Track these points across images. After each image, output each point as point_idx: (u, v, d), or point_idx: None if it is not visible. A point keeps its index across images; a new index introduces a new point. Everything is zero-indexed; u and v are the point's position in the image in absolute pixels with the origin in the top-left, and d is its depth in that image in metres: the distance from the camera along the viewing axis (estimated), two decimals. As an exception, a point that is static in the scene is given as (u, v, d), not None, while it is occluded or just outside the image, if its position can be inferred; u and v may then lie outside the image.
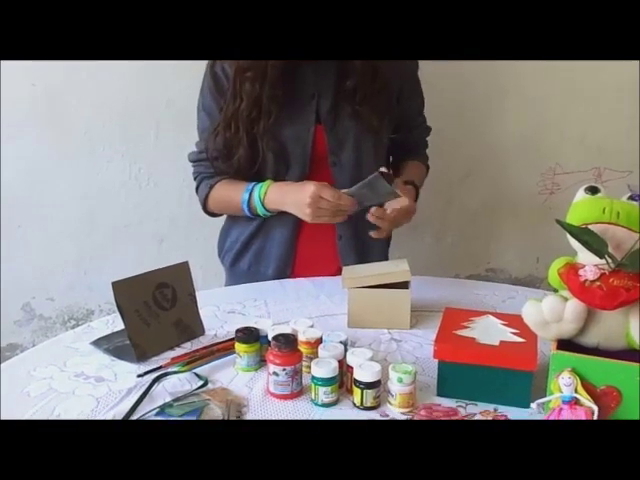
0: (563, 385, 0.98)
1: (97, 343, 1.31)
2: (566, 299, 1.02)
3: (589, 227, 1.01)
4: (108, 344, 1.30)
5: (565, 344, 1.04)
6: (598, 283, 0.98)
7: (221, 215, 1.78)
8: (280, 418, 1.08)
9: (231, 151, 1.60)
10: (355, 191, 1.49)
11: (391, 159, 1.81)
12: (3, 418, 1.06)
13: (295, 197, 1.53)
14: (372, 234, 1.55)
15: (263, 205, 1.59)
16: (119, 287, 1.22)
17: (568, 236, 1.02)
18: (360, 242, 1.71)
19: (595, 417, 0.95)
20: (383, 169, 1.49)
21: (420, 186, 1.74)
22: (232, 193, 1.65)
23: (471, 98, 2.25)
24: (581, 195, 1.07)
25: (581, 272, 1.00)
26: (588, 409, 0.96)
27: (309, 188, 1.49)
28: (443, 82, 2.10)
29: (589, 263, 1.01)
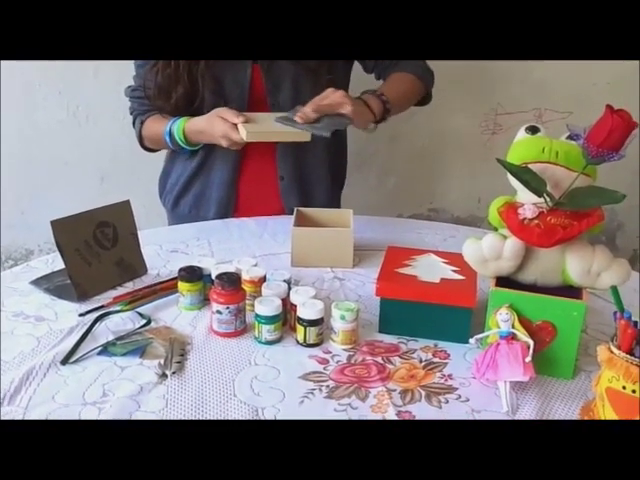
0: (501, 321, 1.01)
1: (37, 282, 1.29)
2: (505, 237, 1.03)
3: (528, 166, 1.02)
4: (48, 283, 1.28)
5: (504, 281, 1.06)
6: (536, 221, 1.00)
7: (158, 150, 1.76)
8: (224, 356, 1.08)
9: (170, 89, 1.57)
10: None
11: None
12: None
13: (210, 138, 1.53)
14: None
15: (188, 144, 1.60)
16: (58, 226, 1.20)
17: (508, 175, 1.03)
18: (303, 183, 1.71)
19: (531, 351, 0.98)
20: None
21: (401, 98, 1.65)
22: (158, 130, 1.64)
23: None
24: (521, 135, 1.08)
25: (520, 211, 1.01)
26: (524, 343, 0.99)
27: (218, 130, 1.48)
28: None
29: (528, 202, 1.02)
